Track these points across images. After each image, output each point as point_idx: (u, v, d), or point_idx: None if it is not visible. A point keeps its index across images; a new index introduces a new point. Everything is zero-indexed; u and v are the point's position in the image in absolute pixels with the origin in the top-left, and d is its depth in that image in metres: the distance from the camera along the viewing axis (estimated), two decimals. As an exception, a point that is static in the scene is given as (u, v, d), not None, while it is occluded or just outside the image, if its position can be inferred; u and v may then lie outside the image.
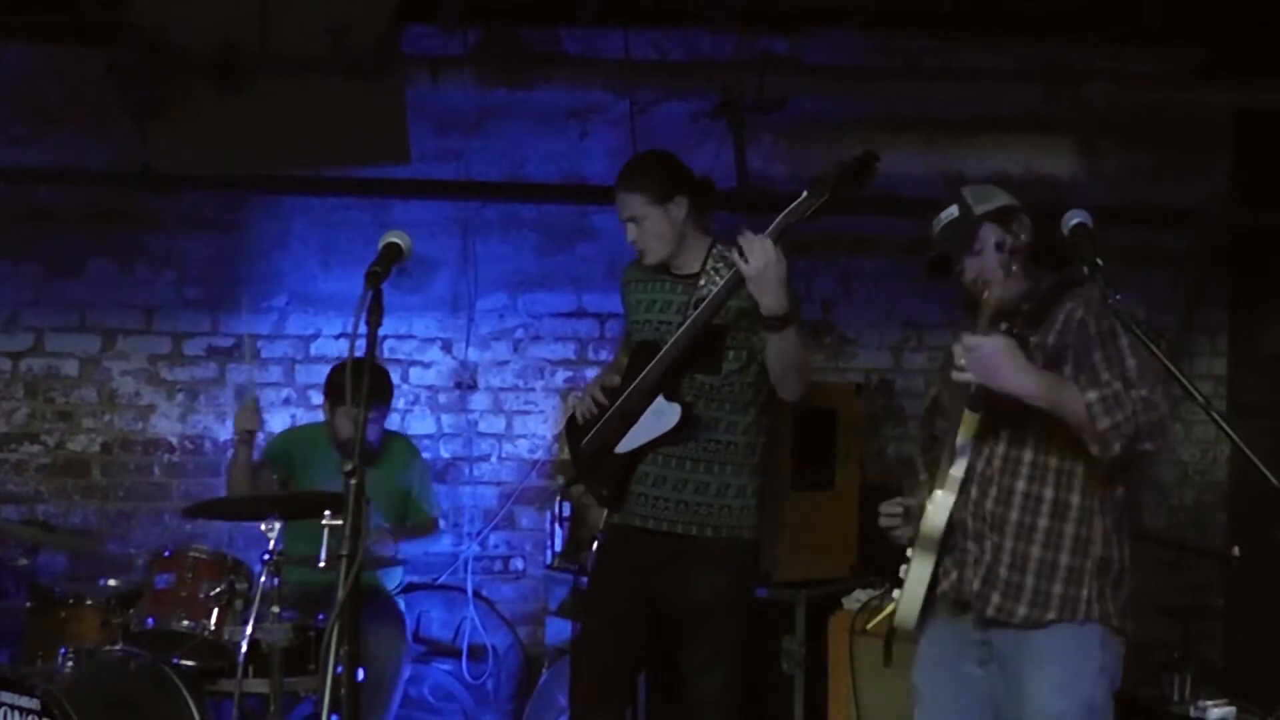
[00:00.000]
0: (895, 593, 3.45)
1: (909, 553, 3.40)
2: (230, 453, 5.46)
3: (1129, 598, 3.35)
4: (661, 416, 4.07)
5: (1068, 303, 3.31)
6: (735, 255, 3.83)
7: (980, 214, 3.33)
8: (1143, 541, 5.77)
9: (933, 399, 3.65)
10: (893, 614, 3.47)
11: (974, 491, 3.35)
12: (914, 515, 3.41)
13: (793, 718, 4.81)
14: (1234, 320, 6.51)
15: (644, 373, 4.09)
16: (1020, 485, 3.31)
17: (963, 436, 3.34)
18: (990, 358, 3.15)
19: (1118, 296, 3.15)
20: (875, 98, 5.85)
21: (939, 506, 3.33)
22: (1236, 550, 4.86)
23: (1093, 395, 3.11)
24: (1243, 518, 6.31)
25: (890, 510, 3.48)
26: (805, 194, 3.82)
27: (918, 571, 3.38)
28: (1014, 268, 3.29)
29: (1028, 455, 3.31)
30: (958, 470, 3.34)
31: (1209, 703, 4.41)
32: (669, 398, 4.06)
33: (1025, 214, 3.37)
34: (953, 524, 3.34)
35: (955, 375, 3.22)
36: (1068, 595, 3.27)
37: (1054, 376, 3.20)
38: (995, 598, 3.30)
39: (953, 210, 3.37)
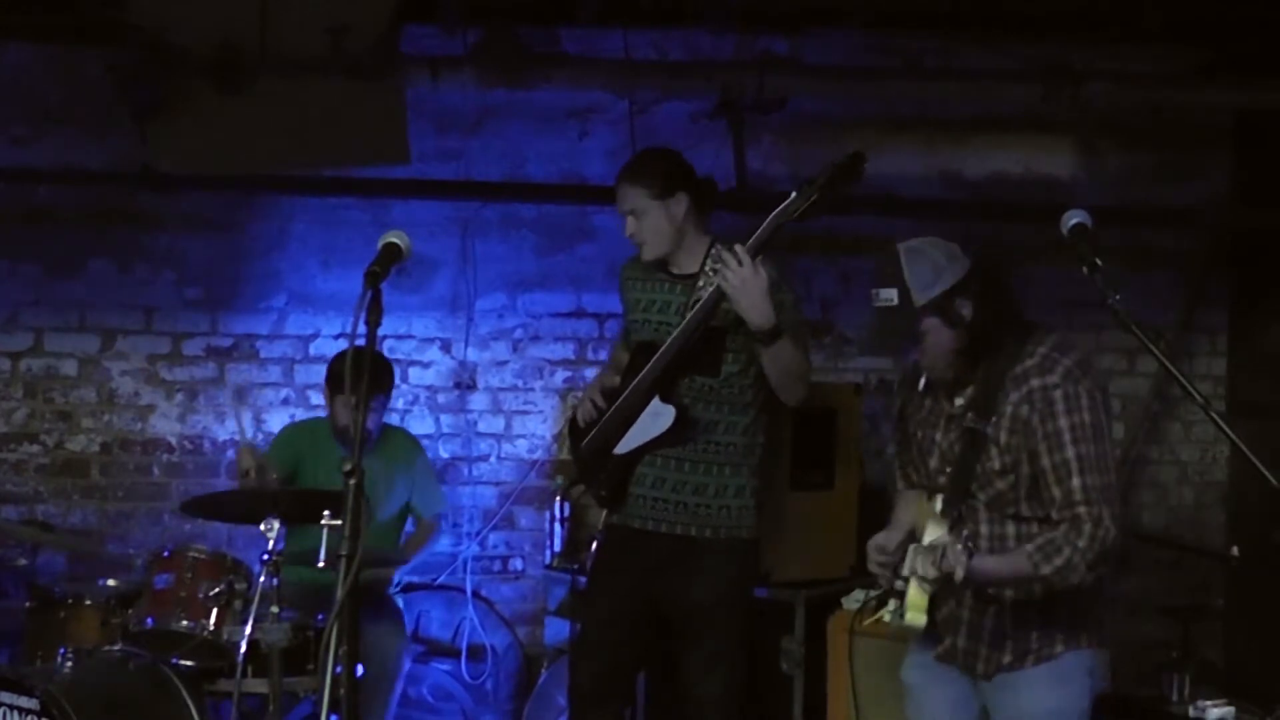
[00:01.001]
0: (884, 613, 3.43)
1: (897, 584, 3.37)
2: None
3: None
4: (657, 418, 4.08)
5: (1012, 394, 3.24)
6: (718, 277, 3.85)
7: (920, 305, 3.24)
8: (1143, 541, 5.81)
9: (900, 407, 3.63)
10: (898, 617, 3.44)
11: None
12: (900, 550, 3.39)
13: (792, 718, 4.81)
14: (1234, 320, 6.51)
15: (641, 374, 4.10)
16: (1008, 544, 3.29)
17: (931, 535, 3.29)
18: (953, 574, 3.11)
19: (1117, 297, 3.15)
20: (875, 98, 5.85)
21: (918, 600, 3.26)
22: (1236, 550, 4.86)
23: (1047, 569, 3.13)
24: (1242, 518, 6.30)
25: (880, 559, 3.43)
26: (794, 195, 3.85)
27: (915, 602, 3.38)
28: (955, 352, 3.27)
29: (1010, 528, 3.31)
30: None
31: (1208, 703, 4.41)
32: (664, 399, 4.06)
33: (969, 283, 3.25)
34: (943, 592, 3.31)
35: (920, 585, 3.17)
36: (1072, 627, 3.30)
37: (1009, 566, 3.19)
38: (1007, 658, 3.32)
39: (892, 295, 3.27)
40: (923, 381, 3.41)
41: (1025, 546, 3.18)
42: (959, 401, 3.35)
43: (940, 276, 3.25)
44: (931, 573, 3.07)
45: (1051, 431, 3.20)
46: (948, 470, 3.34)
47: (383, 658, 4.94)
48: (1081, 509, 3.15)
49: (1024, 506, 3.26)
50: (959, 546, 3.05)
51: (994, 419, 3.25)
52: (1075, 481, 3.17)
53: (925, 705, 3.50)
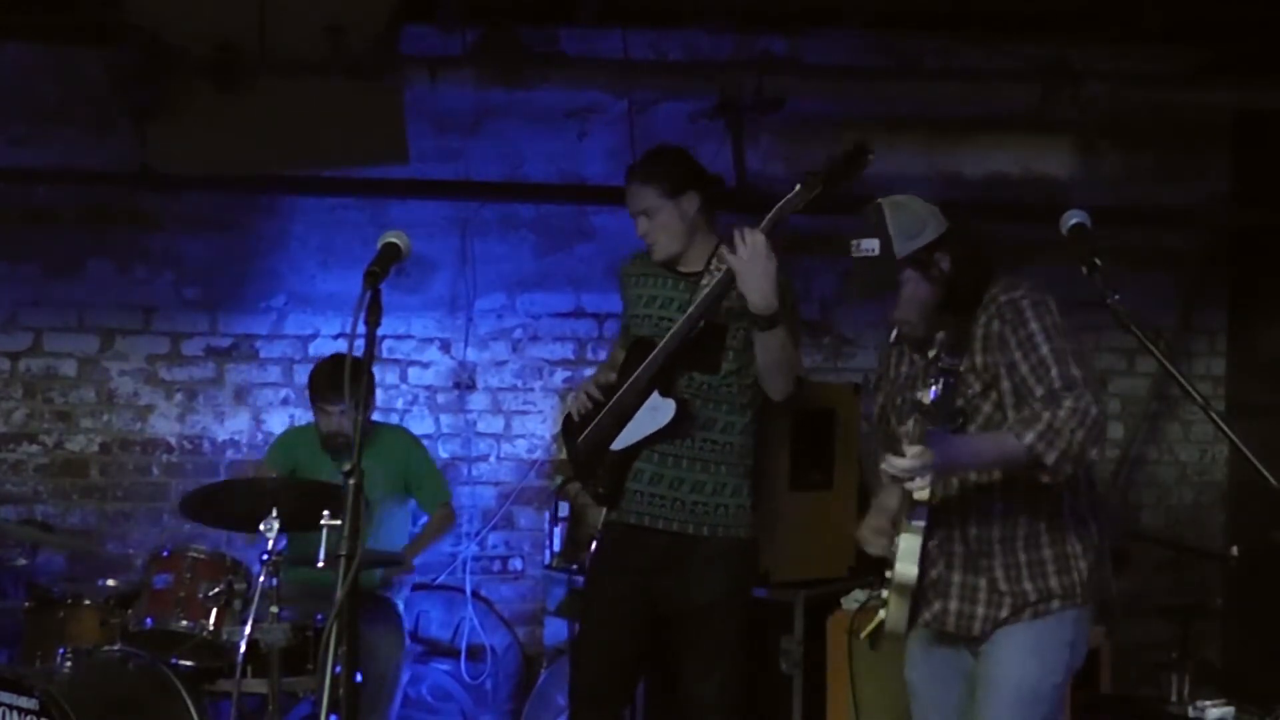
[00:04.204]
0: (883, 612, 3.43)
1: (887, 572, 3.37)
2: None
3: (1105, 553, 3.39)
4: (656, 413, 4.06)
5: (980, 317, 3.29)
6: (725, 251, 3.84)
7: (901, 258, 3.28)
8: (1143, 541, 5.81)
9: (881, 407, 3.63)
10: (881, 622, 3.44)
11: (955, 519, 3.35)
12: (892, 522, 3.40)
13: (791, 718, 4.81)
14: (1232, 320, 6.51)
15: (639, 369, 4.09)
16: (995, 504, 3.31)
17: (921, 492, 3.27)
18: (941, 466, 3.09)
19: (1116, 297, 3.15)
20: (875, 98, 5.84)
21: (908, 554, 3.28)
22: (1235, 550, 4.86)
23: (1030, 437, 3.11)
24: (1241, 518, 6.31)
25: (877, 541, 3.45)
26: (799, 187, 3.84)
27: (897, 603, 3.37)
28: (930, 306, 3.30)
29: (985, 476, 3.32)
30: (919, 522, 3.29)
31: (1207, 703, 4.42)
32: (664, 394, 4.06)
33: (948, 239, 3.30)
34: (931, 556, 3.33)
35: (915, 491, 3.16)
36: (1063, 583, 3.31)
37: (991, 441, 3.20)
38: (1005, 613, 3.32)
39: (873, 245, 3.29)
40: (893, 334, 3.42)
41: (1025, 436, 3.11)
42: (931, 352, 3.35)
43: (923, 231, 3.31)
44: (906, 465, 3.03)
45: (1024, 336, 3.22)
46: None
47: (382, 663, 4.93)
48: (1062, 392, 3.15)
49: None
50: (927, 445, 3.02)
51: (967, 352, 3.27)
52: (1054, 371, 3.17)
53: (930, 704, 3.49)
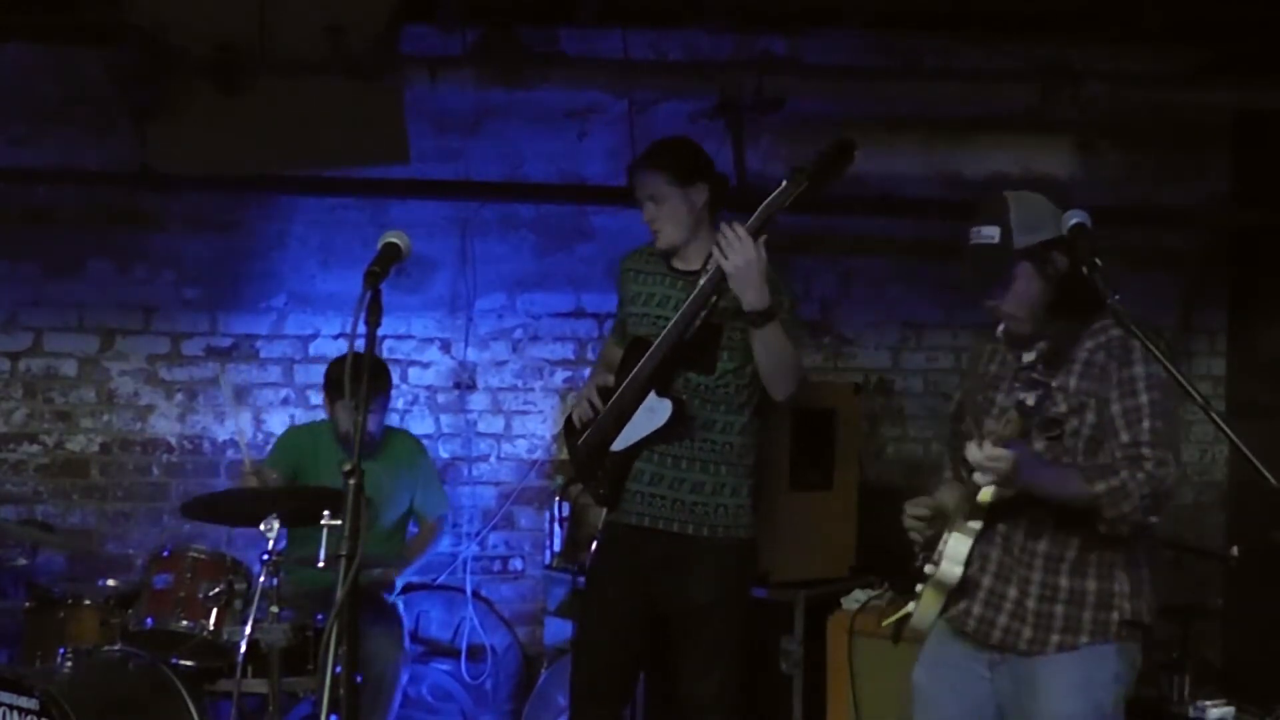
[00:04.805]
0: (911, 604, 3.41)
1: (926, 568, 3.34)
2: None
3: (1153, 597, 3.35)
4: (653, 413, 4.06)
5: (1087, 342, 3.27)
6: (716, 251, 3.84)
7: (1020, 248, 3.24)
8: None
9: (959, 402, 3.62)
10: (905, 617, 3.42)
11: (1003, 526, 3.32)
12: (940, 517, 3.39)
13: (791, 718, 4.81)
14: (1233, 320, 6.51)
15: (636, 369, 4.09)
16: (1049, 519, 3.27)
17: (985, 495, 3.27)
18: (1013, 469, 3.08)
19: (1116, 297, 3.15)
20: (874, 98, 5.84)
21: (956, 555, 3.28)
22: (1235, 550, 4.85)
23: (1100, 487, 3.12)
24: (1241, 518, 6.30)
25: (917, 513, 3.41)
26: (785, 183, 3.84)
27: (931, 601, 3.36)
28: (1039, 304, 3.28)
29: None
30: (975, 524, 3.30)
31: (1208, 703, 4.41)
32: (660, 394, 4.06)
33: (1068, 240, 3.24)
34: (970, 558, 3.31)
35: (978, 479, 3.17)
36: (1098, 619, 3.27)
37: (1061, 475, 3.19)
38: (1027, 631, 3.29)
39: (993, 233, 3.26)
40: (1000, 328, 3.38)
41: (1096, 485, 3.12)
42: (1028, 357, 3.33)
43: (1044, 225, 3.27)
44: (983, 461, 3.02)
45: (1127, 378, 3.21)
46: None
47: (381, 665, 4.93)
48: (1146, 450, 3.15)
49: (1081, 458, 3.24)
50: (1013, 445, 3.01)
51: (1064, 369, 3.24)
52: (1145, 424, 3.17)
53: (936, 707, 3.45)
